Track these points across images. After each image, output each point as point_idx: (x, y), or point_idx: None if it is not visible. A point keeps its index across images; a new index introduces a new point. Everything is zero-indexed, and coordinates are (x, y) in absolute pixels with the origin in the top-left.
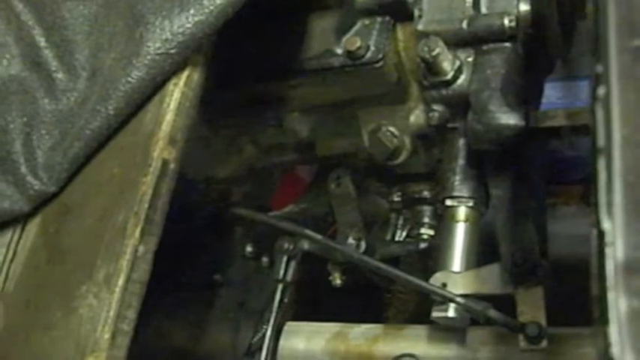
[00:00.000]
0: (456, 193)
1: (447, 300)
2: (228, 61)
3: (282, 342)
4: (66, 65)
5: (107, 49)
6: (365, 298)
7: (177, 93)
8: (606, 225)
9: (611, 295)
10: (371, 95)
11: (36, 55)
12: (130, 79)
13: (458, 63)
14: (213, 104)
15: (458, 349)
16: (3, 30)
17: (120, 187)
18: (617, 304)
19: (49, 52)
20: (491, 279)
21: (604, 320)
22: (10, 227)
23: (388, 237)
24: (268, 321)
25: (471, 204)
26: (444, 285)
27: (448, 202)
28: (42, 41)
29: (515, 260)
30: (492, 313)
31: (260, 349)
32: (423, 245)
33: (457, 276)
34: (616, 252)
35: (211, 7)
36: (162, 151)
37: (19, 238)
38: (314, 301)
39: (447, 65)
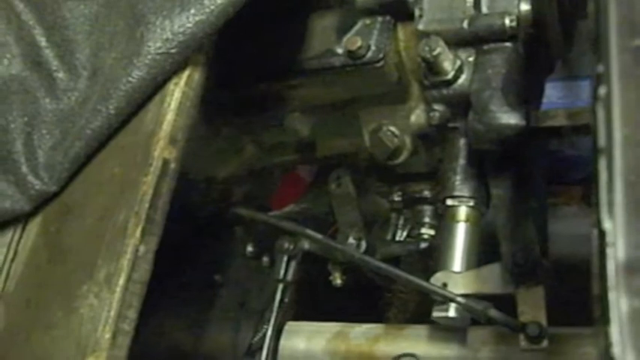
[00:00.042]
0: (456, 193)
1: (447, 300)
2: (229, 60)
3: (282, 342)
4: (67, 65)
5: (108, 49)
6: (365, 298)
7: (178, 93)
8: (607, 225)
9: (612, 295)
10: (372, 95)
11: (37, 54)
12: (130, 78)
13: (459, 63)
14: (214, 104)
15: (459, 349)
16: (4, 29)
17: (121, 186)
18: (619, 304)
19: (49, 51)
20: (491, 279)
21: (605, 320)
22: (11, 227)
23: (389, 237)
24: (269, 321)
25: (471, 204)
26: (445, 285)
27: (449, 202)
28: (43, 41)
29: (515, 260)
30: (493, 312)
31: (260, 348)
32: (423, 245)
33: (458, 276)
34: (617, 252)
35: (212, 7)
36: (162, 151)
37: (20, 237)
38: (314, 301)
39: (448, 65)
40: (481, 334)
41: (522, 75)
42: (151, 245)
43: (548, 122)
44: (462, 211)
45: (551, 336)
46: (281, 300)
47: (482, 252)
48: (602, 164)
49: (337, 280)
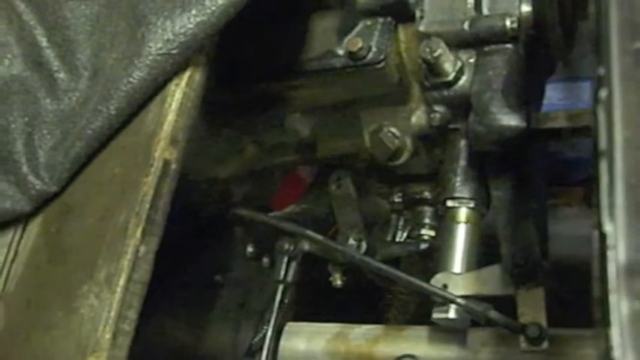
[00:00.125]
0: (457, 194)
1: (447, 301)
2: (229, 61)
3: (282, 342)
4: (67, 65)
5: (109, 49)
6: (365, 299)
7: (179, 93)
8: (608, 227)
9: (612, 298)
10: (372, 96)
11: (37, 54)
12: (131, 79)
13: (459, 64)
14: (214, 104)
15: (458, 350)
16: (5, 30)
17: (121, 187)
18: (619, 306)
19: (50, 51)
20: (492, 280)
21: (606, 323)
22: (12, 227)
23: (389, 238)
24: (269, 321)
25: (471, 205)
26: (445, 286)
27: (449, 203)
28: (44, 41)
29: (516, 261)
30: (493, 314)
31: (260, 349)
32: (423, 246)
33: (458, 277)
34: (618, 254)
35: (213, 8)
36: (163, 152)
37: (21, 237)
38: (314, 302)
39: (449, 66)
40: (481, 336)
41: (523, 76)
42: (152, 246)
43: (548, 124)
44: (463, 213)
45: (552, 337)
46: (281, 301)
47: (483, 253)
48: (603, 167)
49: (337, 281)
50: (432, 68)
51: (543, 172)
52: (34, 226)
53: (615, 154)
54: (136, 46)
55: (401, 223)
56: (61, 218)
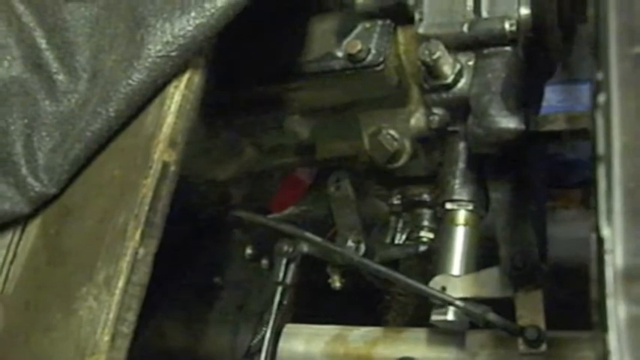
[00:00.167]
0: (455, 197)
1: (446, 303)
2: (229, 63)
3: (281, 344)
4: (67, 67)
5: (108, 51)
6: (364, 301)
7: (178, 95)
8: (606, 232)
9: (610, 303)
10: (371, 98)
11: (37, 56)
12: (130, 81)
13: (458, 66)
14: (213, 106)
15: (457, 353)
16: (4, 32)
17: (120, 189)
18: (617, 311)
19: (50, 53)
20: (490, 282)
21: (603, 327)
22: (11, 229)
23: (388, 240)
24: (267, 323)
25: (470, 207)
26: (444, 288)
27: (448, 206)
28: (43, 43)
29: (514, 264)
30: (491, 316)
31: (259, 351)
32: (422, 248)
33: (456, 279)
34: (615, 259)
35: (212, 10)
36: (162, 154)
37: (19, 239)
38: (313, 304)
39: (448, 69)
40: (480, 338)
41: (522, 79)
42: (151, 248)
43: (547, 126)
44: (461, 215)
45: (550, 340)
46: (280, 302)
47: (481, 255)
48: (601, 172)
49: (336, 282)
50: (431, 71)
51: (542, 174)
52: (33, 227)
53: (613, 159)
54: (135, 48)
55: (400, 225)
56: (60, 220)
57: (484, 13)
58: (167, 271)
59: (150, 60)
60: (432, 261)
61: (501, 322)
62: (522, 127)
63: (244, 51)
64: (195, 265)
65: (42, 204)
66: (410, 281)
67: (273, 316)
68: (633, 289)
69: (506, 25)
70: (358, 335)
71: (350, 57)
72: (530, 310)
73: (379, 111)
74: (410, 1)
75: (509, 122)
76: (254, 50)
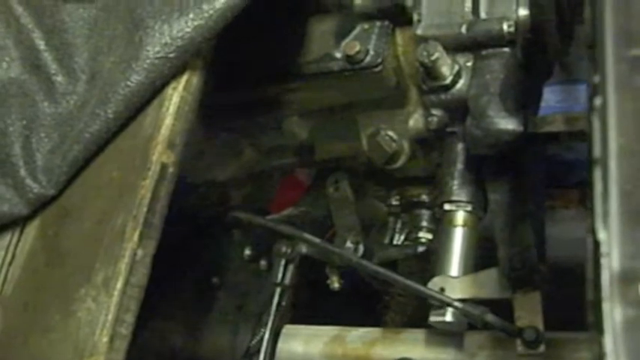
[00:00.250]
0: (454, 198)
1: (444, 304)
2: (227, 64)
3: (280, 345)
4: (65, 68)
5: (106, 53)
6: (363, 302)
7: (177, 97)
8: (602, 235)
9: (606, 306)
10: (370, 99)
11: (35, 58)
12: (129, 82)
13: (457, 68)
14: (212, 107)
15: (455, 354)
16: (3, 33)
17: (119, 190)
18: (613, 314)
19: (48, 55)
20: (489, 283)
21: (599, 330)
22: (9, 230)
23: (386, 241)
24: (266, 324)
25: (469, 208)
26: (442, 289)
27: (446, 207)
28: (41, 44)
29: (513, 265)
30: (490, 317)
31: (258, 351)
32: (421, 249)
33: (455, 280)
34: (612, 262)
35: (210, 12)
36: (161, 155)
37: (18, 240)
38: (312, 305)
39: (446, 70)
40: (478, 339)
41: (520, 80)
42: (149, 249)
43: (545, 128)
44: (460, 216)
45: (548, 341)
46: (279, 303)
47: (480, 256)
48: (597, 174)
49: (335, 283)
50: (430, 72)
51: (541, 175)
52: (32, 229)
53: (610, 161)
54: (133, 49)
55: (398, 226)
56: (59, 221)
57: (482, 14)
58: (166, 272)
59: (148, 61)
60: (430, 262)
61: (500, 323)
62: (521, 128)
63: (243, 52)
64: (194, 265)
65: (40, 205)
66: (408, 282)
67: (271, 317)
68: (629, 292)
69: (505, 26)
70: (357, 336)
71: (348, 58)
72: (529, 311)
73: (378, 112)
74: (408, 2)
75: (507, 123)
76: (252, 51)
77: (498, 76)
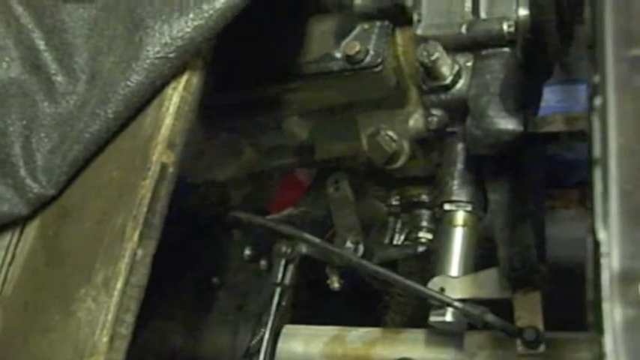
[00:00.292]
0: (454, 198)
1: (444, 304)
2: (227, 64)
3: (280, 345)
4: (65, 68)
5: (106, 53)
6: (363, 302)
7: (176, 97)
8: (602, 235)
9: (606, 306)
10: (370, 99)
11: (35, 58)
12: (129, 82)
13: (457, 68)
14: (212, 107)
15: (455, 354)
16: (3, 33)
17: (119, 190)
18: (613, 314)
19: (48, 55)
20: (489, 283)
21: (599, 330)
22: (9, 230)
23: (386, 240)
24: (266, 324)
25: (469, 208)
26: (442, 289)
27: (446, 207)
28: (41, 44)
29: (513, 265)
30: (490, 317)
31: (258, 351)
32: (421, 249)
33: (455, 280)
34: (612, 262)
35: (210, 12)
36: (161, 155)
37: (18, 240)
38: (312, 305)
39: (446, 70)
40: (478, 339)
41: (520, 80)
42: (149, 249)
43: (545, 127)
44: (460, 216)
45: (548, 341)
46: (279, 303)
47: (480, 256)
48: (597, 175)
49: (335, 283)
50: (430, 72)
51: (541, 175)
52: (32, 229)
53: (610, 161)
54: (133, 49)
55: (398, 225)
56: (59, 221)
57: (482, 14)
58: (166, 272)
59: (148, 61)
60: (430, 262)
61: (499, 323)
62: (521, 128)
63: (243, 52)
64: (194, 265)
65: (40, 205)
66: (408, 282)
67: (271, 317)
68: (629, 291)
69: (505, 26)
70: (357, 336)
71: (348, 58)
72: (529, 311)
73: (378, 112)
74: (408, 2)
75: (507, 123)
76: (253, 51)
77: (498, 76)
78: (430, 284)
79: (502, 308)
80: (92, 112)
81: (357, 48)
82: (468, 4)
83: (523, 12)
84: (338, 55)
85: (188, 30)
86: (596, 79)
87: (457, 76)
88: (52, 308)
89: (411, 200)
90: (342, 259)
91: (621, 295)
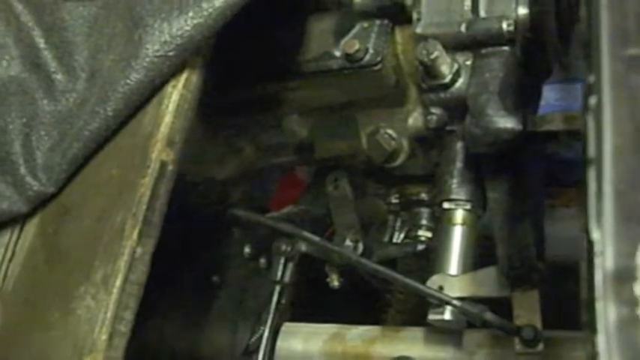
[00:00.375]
0: (453, 196)
1: (443, 303)
2: (226, 62)
3: (279, 343)
4: (65, 66)
5: (106, 51)
6: (362, 300)
7: (176, 95)
8: (595, 235)
9: (599, 305)
10: (369, 98)
11: (35, 56)
12: (128, 81)
13: (456, 66)
14: (211, 106)
15: (454, 352)
16: (3, 31)
17: (118, 188)
18: (606, 313)
19: (48, 53)
20: (487, 282)
21: (592, 329)
22: (9, 227)
23: (386, 239)
24: (266, 322)
25: (468, 207)
26: (441, 288)
27: (445, 205)
28: (41, 42)
29: (511, 263)
30: (488, 316)
31: (257, 349)
32: (420, 247)
33: (454, 279)
34: (605, 261)
35: (210, 10)
36: (160, 153)
37: (18, 238)
38: (311, 303)
39: (446, 68)
40: (477, 337)
41: (519, 79)
42: (148, 247)
43: (545, 126)
44: (459, 215)
45: (547, 339)
46: (278, 301)
47: (479, 255)
48: (592, 174)
49: (334, 282)
50: (429, 70)
51: (540, 174)
52: (32, 226)
53: (604, 161)
54: (133, 47)
55: (398, 224)
56: (59, 219)
57: (482, 13)
58: (165, 270)
59: (148, 60)
60: (429, 260)
61: (498, 321)
62: (520, 126)
63: (242, 50)
64: (194, 263)
65: (40, 203)
66: (407, 280)
67: (271, 315)
68: (623, 291)
69: (504, 25)
70: (356, 334)
71: (348, 56)
72: (527, 310)
73: (377, 110)
74: (408, 0)
75: (506, 122)
76: (252, 50)
77: (498, 74)
78: (429, 282)
79: (501, 307)
80: (92, 110)
81: (357, 46)
82: (468, 3)
83: (522, 11)
84: (337, 53)
85: (187, 28)
86: (592, 78)
87: (456, 74)
88: (52, 306)
89: (410, 198)
90: (341, 258)
91: (615, 294)
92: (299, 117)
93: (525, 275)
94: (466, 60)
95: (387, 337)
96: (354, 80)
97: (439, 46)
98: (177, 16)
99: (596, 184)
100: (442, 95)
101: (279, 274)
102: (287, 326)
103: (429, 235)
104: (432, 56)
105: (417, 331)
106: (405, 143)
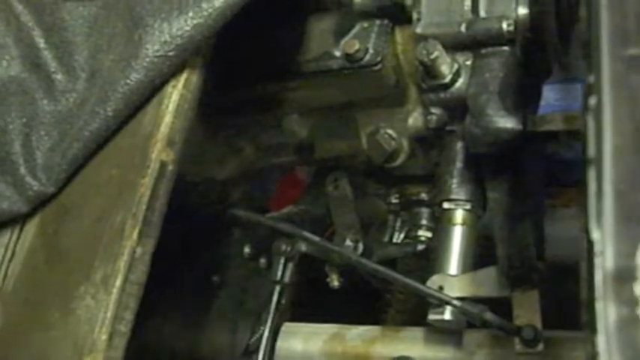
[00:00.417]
0: (453, 196)
1: (443, 303)
2: (226, 62)
3: (279, 343)
4: (65, 66)
5: (106, 51)
6: (362, 300)
7: (176, 95)
8: (595, 235)
9: (599, 305)
10: (369, 98)
11: (35, 56)
12: (128, 81)
13: (456, 66)
14: (211, 106)
15: (454, 352)
16: (3, 31)
17: (118, 188)
18: (606, 313)
19: (48, 53)
20: (487, 282)
21: (592, 329)
22: (9, 227)
23: (386, 239)
24: (266, 322)
25: (468, 207)
26: (441, 288)
27: (445, 205)
28: (41, 42)
29: (511, 263)
30: (488, 316)
31: (257, 349)
32: (420, 247)
33: (454, 279)
34: (605, 261)
35: (210, 10)
36: (160, 153)
37: (18, 238)
38: (311, 303)
39: (446, 68)
40: (477, 337)
41: (519, 79)
42: (148, 247)
43: (545, 126)
44: (459, 215)
45: (547, 339)
46: (278, 301)
47: (479, 255)
48: (592, 174)
49: (334, 282)
50: (429, 70)
51: (540, 174)
52: (32, 226)
53: (604, 161)
54: (133, 47)
55: (398, 224)
56: (59, 219)
57: (482, 13)
58: (165, 270)
59: (148, 60)
60: (429, 260)
61: (498, 321)
62: (520, 126)
63: (242, 50)
64: (194, 263)
65: (40, 203)
66: (407, 280)
67: (271, 315)
68: (623, 291)
69: (504, 25)
70: (356, 334)
71: (348, 56)
72: (527, 310)
73: (377, 110)
74: (408, 0)
75: (506, 122)
76: (252, 50)
77: (497, 74)
78: (429, 282)
79: (501, 307)
80: (92, 110)
81: (357, 46)
82: (468, 3)
83: (522, 11)
84: (337, 53)
85: (187, 28)
86: (592, 78)
87: (456, 74)
88: (52, 306)
89: (410, 198)
90: (341, 258)
91: (615, 294)
92: (299, 117)
93: (525, 275)
94: (466, 60)
95: (387, 337)
96: (354, 80)
97: (439, 46)
98: (177, 16)
99: (596, 184)
100: (442, 95)
101: (279, 274)
102: (287, 326)
103: (429, 235)
104: (432, 56)
105: (417, 331)
106: (405, 143)
